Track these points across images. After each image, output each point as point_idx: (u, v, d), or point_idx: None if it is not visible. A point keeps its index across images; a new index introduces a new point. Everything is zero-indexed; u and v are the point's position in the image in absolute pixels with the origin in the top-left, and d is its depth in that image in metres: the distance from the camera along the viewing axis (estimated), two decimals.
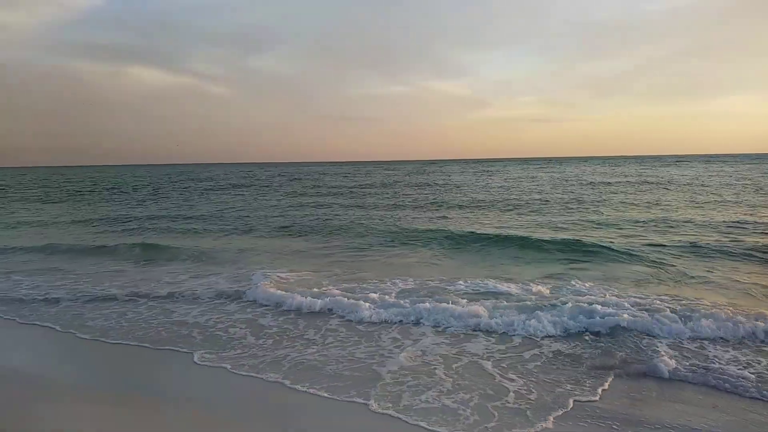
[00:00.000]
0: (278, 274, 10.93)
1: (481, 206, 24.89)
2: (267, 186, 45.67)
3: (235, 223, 20.47)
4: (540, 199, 27.04)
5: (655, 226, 16.95)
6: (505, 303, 8.40)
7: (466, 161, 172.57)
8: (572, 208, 22.78)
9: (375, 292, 9.19)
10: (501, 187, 37.80)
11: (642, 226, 16.94)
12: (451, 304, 8.23)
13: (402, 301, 8.54)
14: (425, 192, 34.69)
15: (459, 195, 31.35)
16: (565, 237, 14.73)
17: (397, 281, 10.17)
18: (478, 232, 15.99)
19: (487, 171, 68.76)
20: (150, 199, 33.69)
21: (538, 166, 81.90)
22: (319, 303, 8.69)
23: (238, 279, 10.86)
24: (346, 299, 8.72)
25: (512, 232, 16.01)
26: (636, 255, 12.25)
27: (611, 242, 13.78)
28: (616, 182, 38.71)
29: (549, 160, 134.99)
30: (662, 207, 22.15)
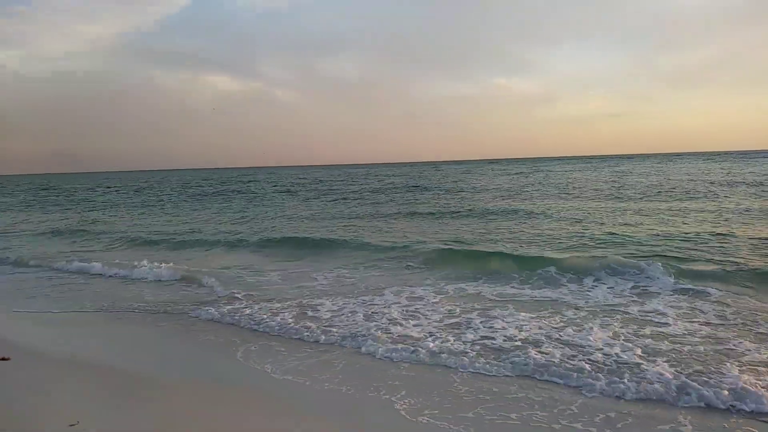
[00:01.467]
0: None
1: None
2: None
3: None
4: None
5: None
6: None
7: (537, 159, 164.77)
8: None
9: None
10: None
11: None
12: None
13: None
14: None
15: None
16: None
17: None
18: None
19: (587, 168, 63.07)
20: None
21: (635, 163, 75.86)
22: None
23: None
24: None
25: None
26: None
27: None
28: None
29: (630, 157, 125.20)
30: None
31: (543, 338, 7.04)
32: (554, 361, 6.22)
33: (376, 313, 8.48)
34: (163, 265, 12.52)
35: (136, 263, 12.98)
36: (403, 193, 35.97)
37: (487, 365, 6.29)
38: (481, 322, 7.78)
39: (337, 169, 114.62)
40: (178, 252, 15.90)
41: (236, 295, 10.12)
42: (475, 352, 6.67)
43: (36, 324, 8.70)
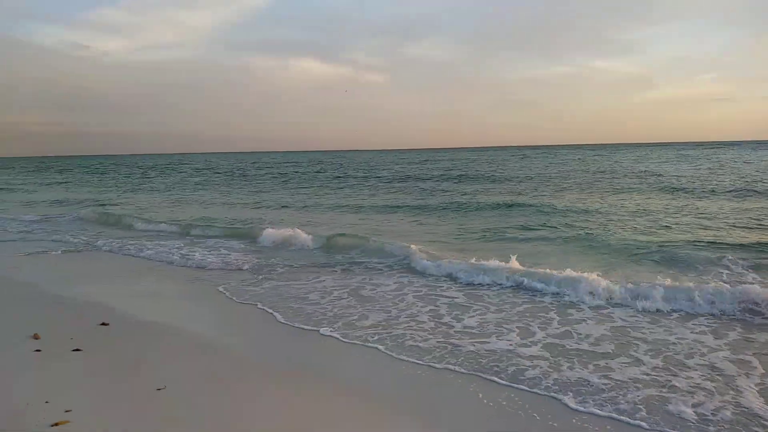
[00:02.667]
0: None
1: None
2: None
3: None
4: None
5: None
6: None
7: (636, 145, 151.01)
8: None
9: None
10: None
11: None
12: None
13: None
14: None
15: None
16: None
17: None
18: None
19: (692, 156, 56.40)
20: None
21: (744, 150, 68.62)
22: None
23: None
24: None
25: None
26: None
27: None
28: None
29: (737, 143, 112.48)
30: None
31: None
32: None
33: None
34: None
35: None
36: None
37: None
38: None
39: (425, 153, 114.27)
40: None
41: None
42: None
43: (138, 295, 9.24)
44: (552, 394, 5.20)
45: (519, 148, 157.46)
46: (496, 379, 5.57)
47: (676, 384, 5.33)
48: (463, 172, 40.29)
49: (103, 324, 7.23)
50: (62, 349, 6.19)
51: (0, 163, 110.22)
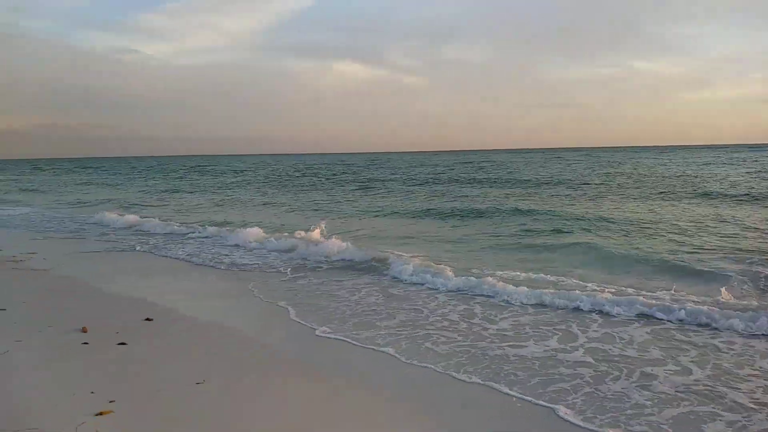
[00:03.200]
0: None
1: None
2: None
3: None
4: None
5: None
6: None
7: (681, 147, 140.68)
8: None
9: None
10: None
11: None
12: None
13: None
14: None
15: None
16: None
17: None
18: None
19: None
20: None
21: None
22: None
23: None
24: None
25: None
26: None
27: None
28: None
29: None
30: None
31: None
32: None
33: None
34: None
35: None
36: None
37: None
38: None
39: (462, 155, 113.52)
40: None
41: None
42: None
43: (181, 293, 9.51)
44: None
45: (555, 150, 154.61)
46: None
47: None
48: (501, 176, 39.18)
49: (147, 319, 7.49)
50: (108, 342, 6.44)
51: (56, 164, 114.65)
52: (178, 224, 18.24)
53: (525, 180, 34.31)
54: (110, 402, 4.75)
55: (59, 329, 6.92)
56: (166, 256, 12.95)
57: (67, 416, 4.47)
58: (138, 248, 13.99)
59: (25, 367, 5.61)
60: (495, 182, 34.09)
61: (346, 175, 48.21)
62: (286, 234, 14.31)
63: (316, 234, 13.57)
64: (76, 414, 4.51)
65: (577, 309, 7.86)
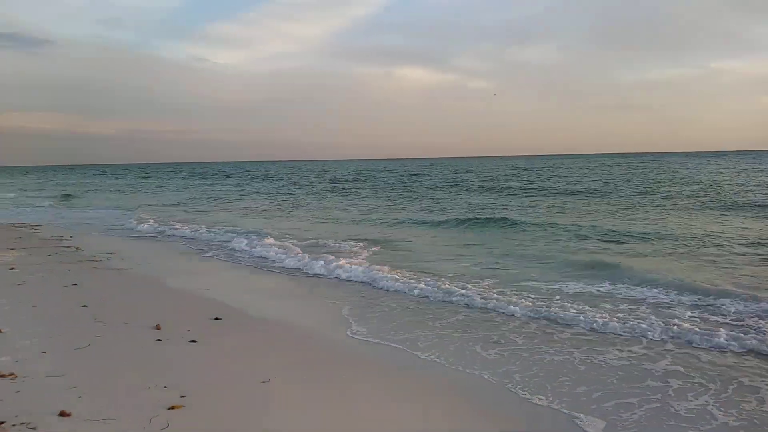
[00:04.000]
0: None
1: None
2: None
3: None
4: None
5: None
6: None
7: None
8: None
9: None
10: None
11: None
12: None
13: None
14: None
15: None
16: None
17: None
18: None
19: None
20: None
21: None
22: None
23: None
24: None
25: None
26: None
27: None
28: None
29: None
30: None
31: None
32: None
33: None
34: None
35: None
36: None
37: None
38: None
39: (529, 160, 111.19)
40: None
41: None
42: None
43: (249, 293, 9.80)
44: None
45: (627, 155, 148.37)
46: None
47: None
48: (565, 185, 35.57)
49: (216, 319, 7.75)
50: (180, 339, 6.71)
51: (137, 168, 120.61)
52: (246, 235, 18.79)
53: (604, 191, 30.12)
54: (181, 397, 4.94)
55: (135, 326, 7.27)
56: (239, 261, 13.37)
57: (141, 408, 4.67)
58: (209, 253, 14.51)
59: (105, 360, 5.91)
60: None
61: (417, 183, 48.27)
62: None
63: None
64: (150, 407, 4.71)
65: None
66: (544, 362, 6.22)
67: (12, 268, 10.97)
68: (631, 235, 14.95)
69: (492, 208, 23.54)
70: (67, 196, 39.66)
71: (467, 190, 35.51)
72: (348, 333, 7.42)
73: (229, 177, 67.11)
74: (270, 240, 15.07)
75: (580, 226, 16.94)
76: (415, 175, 58.19)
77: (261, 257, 13.27)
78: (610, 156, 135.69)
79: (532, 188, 34.10)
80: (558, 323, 7.63)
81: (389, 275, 10.45)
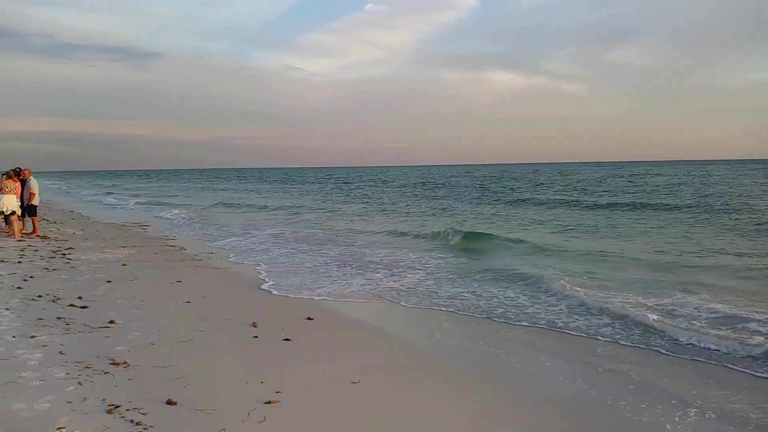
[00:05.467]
0: None
1: None
2: None
3: None
4: None
5: None
6: None
7: None
8: None
9: None
10: None
11: None
12: None
13: None
14: None
15: None
16: None
17: None
18: None
19: None
20: None
21: None
22: None
23: None
24: None
25: None
26: None
27: None
28: None
29: None
30: None
31: None
32: None
33: None
34: None
35: None
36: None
37: None
38: None
39: (624, 166, 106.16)
40: None
41: None
42: None
43: (340, 295, 10.01)
44: None
45: (729, 161, 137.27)
46: None
47: None
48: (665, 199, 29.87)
49: (309, 318, 7.97)
50: (275, 337, 6.95)
51: (219, 173, 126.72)
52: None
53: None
54: (276, 392, 5.11)
55: (233, 322, 7.62)
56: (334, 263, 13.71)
57: (240, 401, 4.88)
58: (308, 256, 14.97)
59: (206, 353, 6.24)
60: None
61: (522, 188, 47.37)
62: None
63: None
64: (248, 400, 4.91)
65: None
66: None
67: (124, 265, 11.82)
68: None
69: None
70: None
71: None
72: (440, 341, 7.39)
73: (349, 182, 66.78)
74: None
75: None
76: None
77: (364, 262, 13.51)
78: (712, 162, 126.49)
79: None
80: None
81: None
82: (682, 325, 7.46)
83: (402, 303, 9.28)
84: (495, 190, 43.57)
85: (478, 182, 56.59)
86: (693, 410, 5.09)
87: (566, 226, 20.15)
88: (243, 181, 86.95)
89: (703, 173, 63.36)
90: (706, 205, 25.19)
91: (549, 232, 18.76)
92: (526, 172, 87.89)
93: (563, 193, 38.21)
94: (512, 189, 43.93)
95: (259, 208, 32.11)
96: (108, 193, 52.83)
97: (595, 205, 28.25)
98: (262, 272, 11.82)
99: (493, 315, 8.50)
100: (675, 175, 58.90)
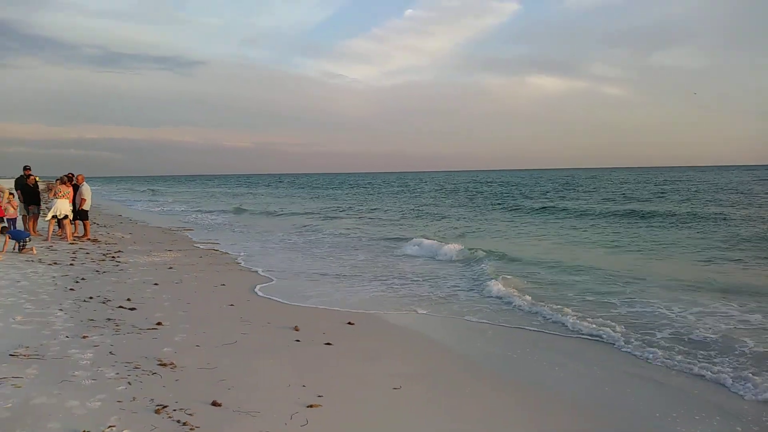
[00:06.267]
0: None
1: None
2: None
3: None
4: None
5: None
6: None
7: None
8: None
9: None
10: None
11: None
12: None
13: None
14: None
15: None
16: None
17: None
18: None
19: None
20: None
21: None
22: None
23: None
24: None
25: None
26: None
27: None
28: None
29: None
30: None
31: None
32: None
33: None
34: None
35: None
36: None
37: None
38: None
39: (667, 172, 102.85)
40: None
41: None
42: None
43: (374, 301, 10.04)
44: None
45: None
46: None
47: None
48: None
49: (349, 323, 8.02)
50: (316, 341, 7.02)
51: (261, 179, 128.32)
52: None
53: None
54: (318, 396, 5.16)
55: (275, 326, 7.72)
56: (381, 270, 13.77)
57: (283, 404, 4.94)
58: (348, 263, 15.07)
59: (250, 356, 6.33)
60: None
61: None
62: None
63: None
64: (290, 403, 4.97)
65: None
66: None
67: (170, 268, 12.13)
68: None
69: None
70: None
71: None
72: (482, 350, 7.30)
73: (415, 187, 66.65)
74: None
75: None
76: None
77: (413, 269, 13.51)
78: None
79: None
80: None
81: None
82: None
83: (442, 311, 9.24)
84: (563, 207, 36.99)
85: (541, 188, 55.03)
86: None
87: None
88: (285, 186, 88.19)
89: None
90: None
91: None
92: (571, 178, 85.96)
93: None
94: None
95: (302, 213, 32.48)
96: (153, 197, 54.43)
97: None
98: (302, 277, 11.94)
99: (532, 325, 8.38)
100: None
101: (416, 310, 9.19)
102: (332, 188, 73.72)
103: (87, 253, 13.71)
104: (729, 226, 20.15)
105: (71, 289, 9.29)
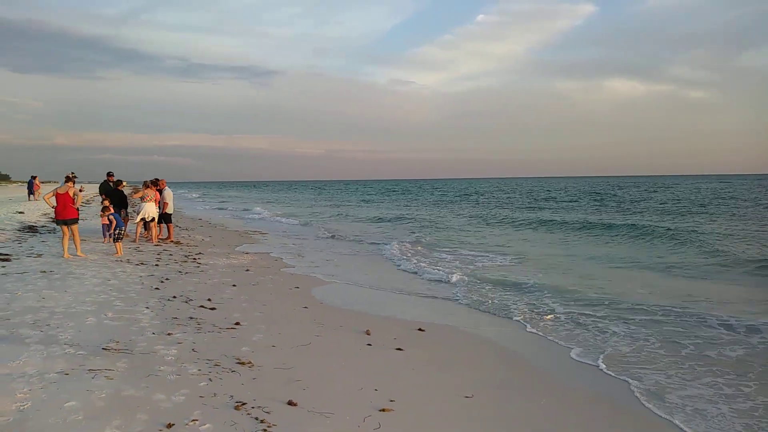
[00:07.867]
0: None
1: None
2: None
3: None
4: None
5: None
6: None
7: None
8: None
9: None
10: None
11: None
12: None
13: None
14: None
15: None
16: None
17: None
18: None
19: None
20: None
21: None
22: None
23: None
24: None
25: None
26: None
27: None
28: None
29: None
30: None
31: None
32: None
33: None
34: None
35: None
36: None
37: None
38: None
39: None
40: None
41: None
42: None
43: (449, 311, 10.00)
44: None
45: None
46: None
47: None
48: None
49: (420, 330, 8.03)
50: (387, 346, 7.07)
51: (333, 185, 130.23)
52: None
53: None
54: (390, 401, 5.19)
55: (348, 329, 7.84)
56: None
57: (356, 407, 5.01)
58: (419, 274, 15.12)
59: (324, 358, 6.46)
60: None
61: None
62: None
63: None
64: (363, 406, 5.03)
65: None
66: None
67: (247, 270, 12.56)
68: None
69: None
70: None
71: None
72: (558, 362, 7.10)
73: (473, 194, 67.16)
74: None
75: None
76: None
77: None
78: None
79: None
80: None
81: None
82: None
83: (515, 319, 9.09)
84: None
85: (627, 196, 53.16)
86: None
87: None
88: (357, 192, 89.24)
89: None
90: None
91: None
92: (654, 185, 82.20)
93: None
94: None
95: (376, 220, 32.69)
96: (230, 202, 56.47)
97: None
98: (373, 282, 12.06)
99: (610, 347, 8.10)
100: None
101: (490, 315, 9.08)
102: (391, 194, 73.82)
103: (170, 254, 14.41)
104: None
105: (156, 288, 9.79)
